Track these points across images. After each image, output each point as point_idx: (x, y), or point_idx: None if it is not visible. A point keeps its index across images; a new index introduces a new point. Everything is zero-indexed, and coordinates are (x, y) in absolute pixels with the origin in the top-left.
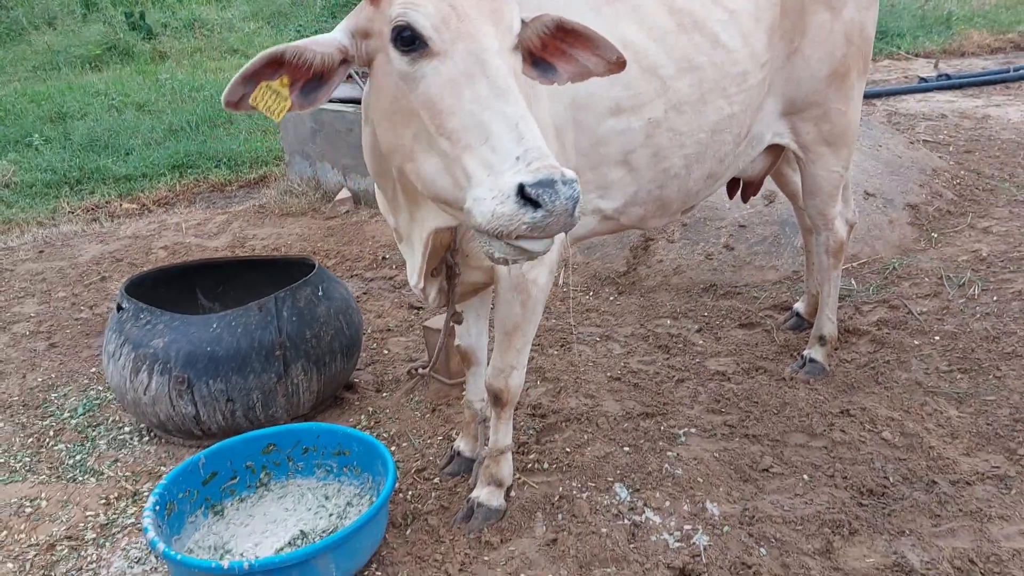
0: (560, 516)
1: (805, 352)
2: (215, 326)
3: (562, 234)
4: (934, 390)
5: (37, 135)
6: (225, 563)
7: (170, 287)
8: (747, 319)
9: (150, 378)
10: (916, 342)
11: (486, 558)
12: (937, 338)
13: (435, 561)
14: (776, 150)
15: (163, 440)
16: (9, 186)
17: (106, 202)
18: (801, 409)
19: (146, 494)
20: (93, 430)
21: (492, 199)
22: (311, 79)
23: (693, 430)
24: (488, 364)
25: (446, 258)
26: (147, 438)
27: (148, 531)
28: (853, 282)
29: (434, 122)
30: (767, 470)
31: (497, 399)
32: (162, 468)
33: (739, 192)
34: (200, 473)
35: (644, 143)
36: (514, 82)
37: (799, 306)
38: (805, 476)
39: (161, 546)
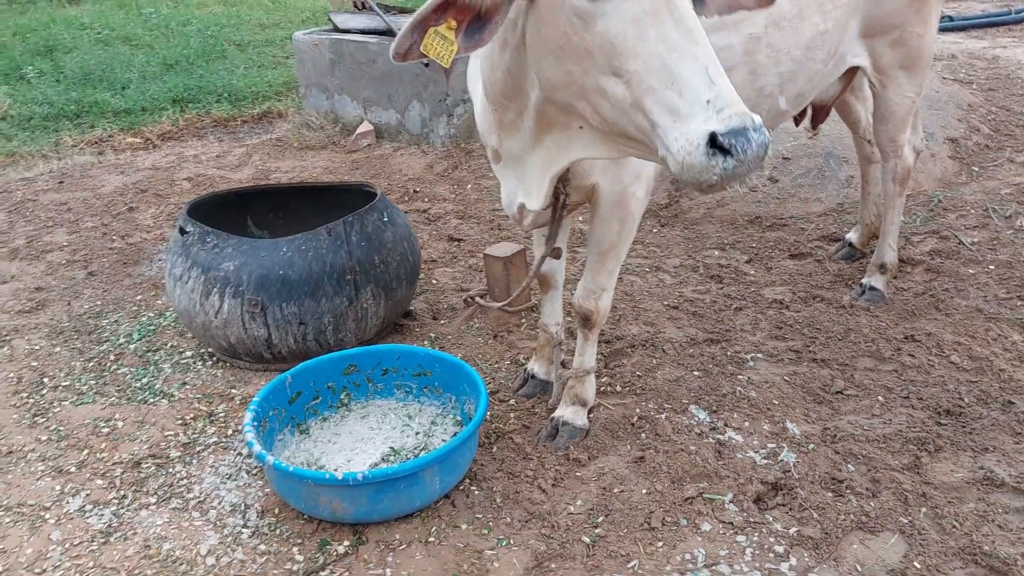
0: (643, 435)
1: (864, 280)
2: (285, 250)
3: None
4: (996, 316)
5: (30, 68)
6: (339, 474)
7: (222, 213)
8: (796, 250)
9: (222, 301)
10: (971, 271)
11: (578, 474)
12: (992, 267)
13: (527, 476)
14: (848, 76)
15: (228, 364)
16: (6, 119)
17: (109, 136)
18: (865, 335)
19: (222, 415)
20: (154, 354)
21: (681, 148)
22: (473, 20)
23: (760, 355)
24: (561, 287)
25: (558, 188)
26: (210, 363)
27: (253, 445)
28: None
29: (612, 63)
30: (840, 392)
31: (586, 320)
32: (232, 391)
33: (805, 119)
34: (287, 392)
35: (743, 60)
36: (699, 23)
37: (852, 236)
38: (880, 398)
39: (271, 458)
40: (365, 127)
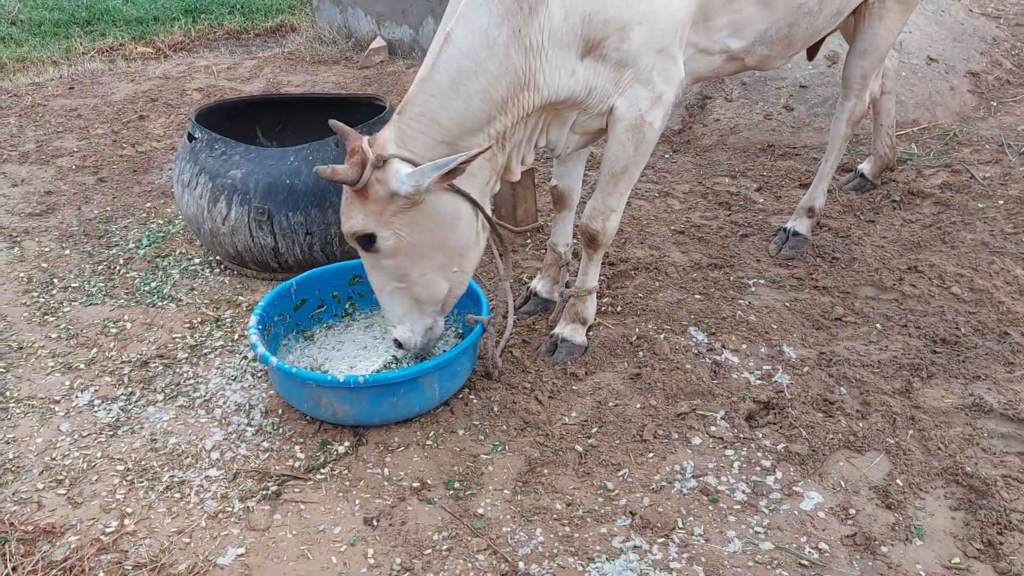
0: (641, 354)
1: (788, 225)
2: (292, 159)
3: (680, 75)
4: (1000, 250)
5: None
6: (341, 377)
7: (231, 123)
8: (807, 179)
9: (229, 208)
10: (980, 205)
11: (574, 387)
12: (1001, 202)
13: (524, 388)
14: None
15: (235, 272)
16: (16, 23)
17: (120, 44)
18: (869, 264)
19: (228, 321)
20: (162, 260)
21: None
22: None
23: (762, 281)
24: (574, 209)
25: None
26: (217, 270)
27: (257, 346)
28: (914, 146)
29: None
30: (839, 319)
31: (592, 240)
32: (239, 298)
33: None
34: (292, 299)
35: None
36: (380, 279)
37: (864, 167)
38: (878, 325)
39: (274, 360)
40: (378, 43)
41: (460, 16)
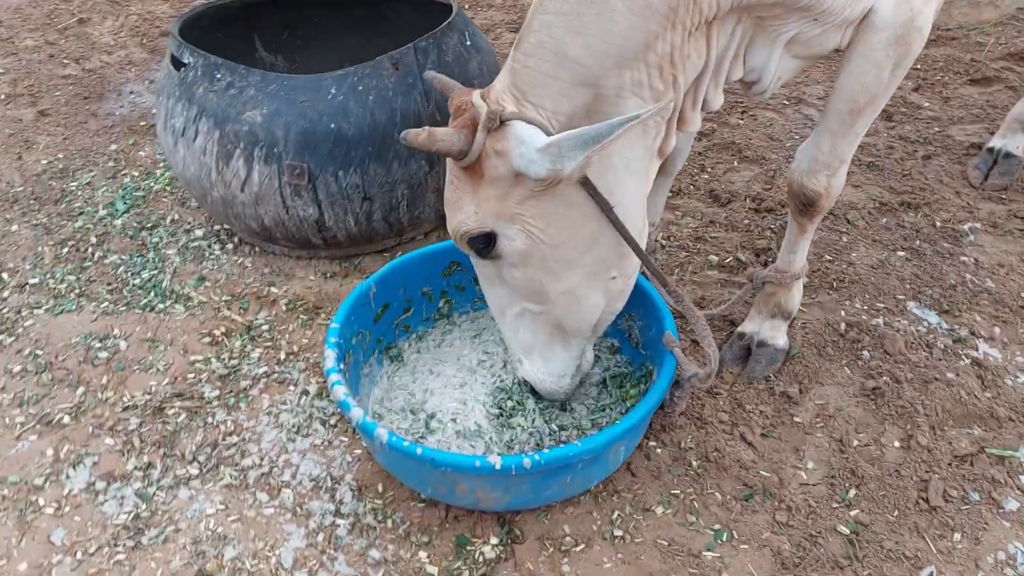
0: (866, 353)
1: (995, 143)
2: (334, 91)
3: None
4: None
5: None
6: (496, 460)
7: (220, 32)
8: (977, 72)
9: (249, 168)
10: None
11: (794, 416)
12: None
13: (722, 423)
14: None
15: (256, 249)
16: None
17: None
18: None
19: (265, 328)
20: (151, 234)
21: None
22: None
23: (978, 225)
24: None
25: None
26: (231, 245)
27: (349, 408)
28: None
29: None
30: None
31: (809, 205)
32: (272, 289)
33: None
34: (371, 306)
35: None
36: (503, 298)
37: None
38: None
39: (383, 432)
40: None
41: None
